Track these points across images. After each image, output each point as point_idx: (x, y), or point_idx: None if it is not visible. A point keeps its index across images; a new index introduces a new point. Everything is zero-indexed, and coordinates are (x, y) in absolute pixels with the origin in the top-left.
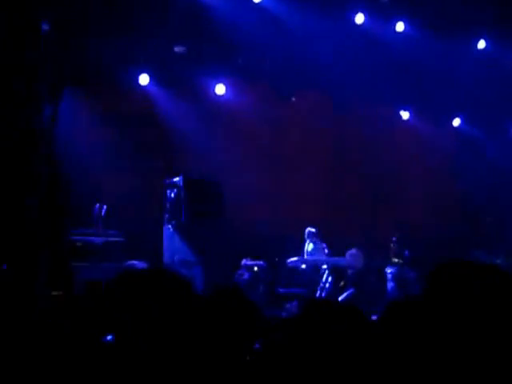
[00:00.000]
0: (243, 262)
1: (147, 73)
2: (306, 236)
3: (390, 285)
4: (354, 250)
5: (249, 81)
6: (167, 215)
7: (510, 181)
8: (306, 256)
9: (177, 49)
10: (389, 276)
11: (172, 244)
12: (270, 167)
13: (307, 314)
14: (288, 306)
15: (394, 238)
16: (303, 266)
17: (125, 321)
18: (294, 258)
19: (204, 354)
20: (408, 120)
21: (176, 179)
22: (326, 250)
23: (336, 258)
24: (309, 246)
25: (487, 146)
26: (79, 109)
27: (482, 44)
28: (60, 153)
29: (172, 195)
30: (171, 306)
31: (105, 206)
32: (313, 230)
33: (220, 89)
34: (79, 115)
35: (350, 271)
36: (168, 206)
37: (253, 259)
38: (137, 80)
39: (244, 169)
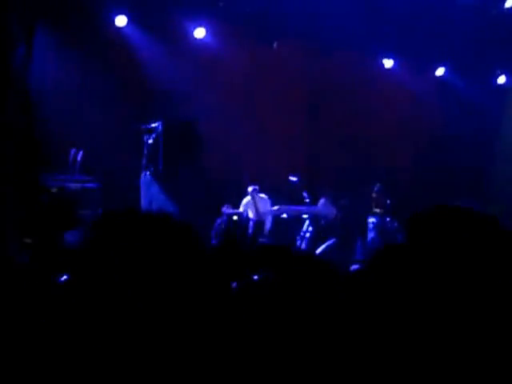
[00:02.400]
0: (223, 209)
1: (124, 14)
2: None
3: (370, 235)
4: (322, 200)
5: (230, 25)
6: (144, 161)
7: (492, 130)
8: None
9: None
10: (370, 226)
11: (149, 191)
12: (251, 113)
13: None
14: None
15: (375, 187)
16: (284, 216)
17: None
18: (275, 207)
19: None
20: (391, 68)
21: (154, 124)
22: (269, 206)
23: (314, 207)
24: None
25: (471, 95)
26: (53, 50)
27: None
28: (33, 95)
29: (150, 141)
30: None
31: (81, 152)
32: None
33: (200, 32)
34: (52, 57)
35: (323, 221)
36: (145, 151)
37: (233, 207)
38: (113, 21)
39: (224, 114)
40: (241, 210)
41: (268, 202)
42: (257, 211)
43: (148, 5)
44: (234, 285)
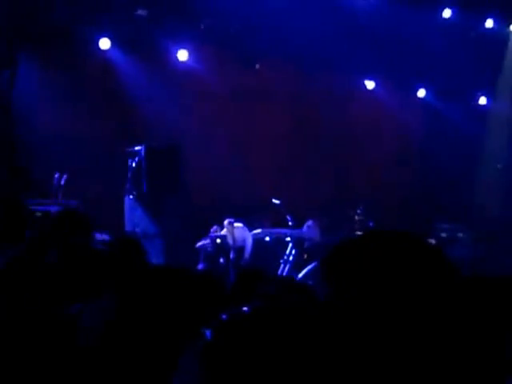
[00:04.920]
0: (212, 230)
1: (108, 37)
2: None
3: None
4: (310, 222)
5: (212, 47)
6: (128, 185)
7: (475, 152)
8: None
9: (139, 12)
10: None
11: (133, 215)
12: (234, 135)
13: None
14: None
15: (358, 210)
16: (267, 239)
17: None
18: (258, 231)
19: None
20: (373, 89)
21: (137, 148)
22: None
23: (297, 230)
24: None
25: (452, 115)
26: (37, 74)
27: (447, 13)
28: (17, 120)
29: (133, 164)
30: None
31: (65, 176)
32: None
33: (182, 55)
34: (36, 81)
35: (307, 243)
36: (129, 175)
37: (222, 228)
38: (97, 44)
39: (207, 136)
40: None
41: (245, 230)
42: (234, 241)
43: (131, 27)
44: (224, 317)
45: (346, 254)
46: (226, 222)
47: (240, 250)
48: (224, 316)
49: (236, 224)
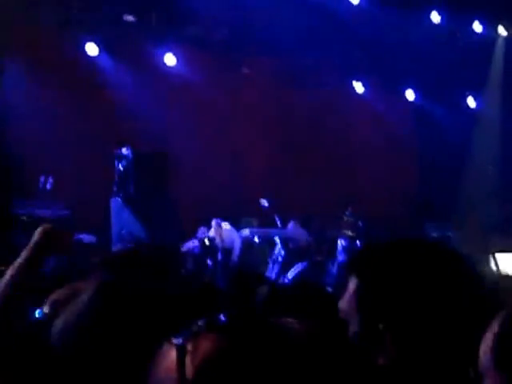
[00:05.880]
0: (199, 231)
1: (95, 41)
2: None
3: (340, 258)
4: (291, 223)
5: (199, 51)
6: (115, 187)
7: (464, 154)
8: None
9: (126, 17)
10: (339, 249)
11: (120, 217)
12: (221, 137)
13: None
14: None
15: (347, 210)
16: (255, 239)
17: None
18: (246, 231)
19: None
20: (362, 92)
21: (124, 151)
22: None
23: (285, 230)
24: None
25: (440, 117)
26: (23, 78)
27: (435, 16)
28: (2, 124)
29: (120, 167)
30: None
31: (50, 178)
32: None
33: (170, 59)
34: (23, 85)
35: (291, 244)
36: (116, 177)
37: (208, 229)
38: (84, 49)
39: (195, 140)
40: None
41: (233, 231)
42: (222, 242)
43: (118, 32)
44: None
45: (376, 260)
46: (213, 223)
47: (228, 251)
48: (200, 323)
49: (224, 224)
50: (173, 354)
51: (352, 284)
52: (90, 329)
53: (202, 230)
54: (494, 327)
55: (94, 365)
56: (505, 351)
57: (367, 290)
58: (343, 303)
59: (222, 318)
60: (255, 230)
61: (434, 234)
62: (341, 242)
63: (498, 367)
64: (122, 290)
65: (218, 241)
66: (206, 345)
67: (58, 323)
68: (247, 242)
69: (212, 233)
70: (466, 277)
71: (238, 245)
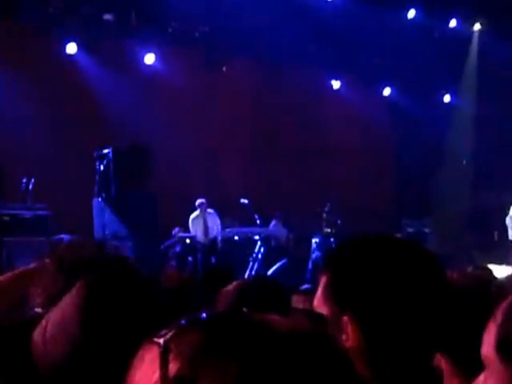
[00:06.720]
0: (174, 232)
1: (75, 41)
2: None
3: (315, 254)
4: (273, 222)
5: (179, 50)
6: (97, 188)
7: (440, 148)
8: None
9: (106, 17)
10: (314, 246)
11: (102, 217)
12: (202, 136)
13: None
14: None
15: (326, 208)
16: (235, 238)
17: None
18: (227, 230)
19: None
20: (338, 88)
21: (105, 151)
22: (218, 220)
23: (265, 229)
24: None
25: (417, 113)
26: (2, 79)
27: (411, 13)
28: None
29: (101, 167)
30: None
31: (32, 180)
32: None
33: (149, 58)
34: (2, 85)
35: (273, 242)
36: (97, 178)
37: (184, 230)
38: (64, 48)
39: (175, 138)
40: (190, 226)
41: (216, 217)
42: (205, 226)
43: (98, 31)
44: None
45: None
46: (198, 202)
47: (210, 245)
48: (182, 321)
49: (209, 209)
50: (154, 354)
51: (323, 278)
52: (76, 329)
53: (176, 231)
54: (497, 318)
55: (80, 368)
56: (509, 342)
57: (335, 283)
58: (316, 297)
59: (204, 315)
60: (235, 228)
61: (410, 230)
62: (315, 240)
63: (503, 359)
64: (107, 291)
65: (200, 226)
66: (188, 343)
67: (43, 322)
68: (228, 241)
69: (193, 216)
70: (431, 272)
71: (218, 228)
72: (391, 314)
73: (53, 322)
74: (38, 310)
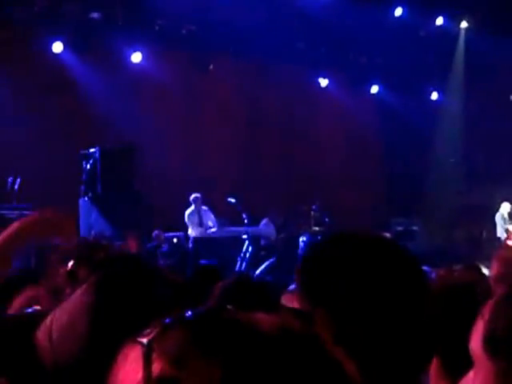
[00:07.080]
0: (154, 234)
1: (62, 40)
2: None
3: (301, 253)
4: (265, 220)
5: (166, 48)
6: (83, 187)
7: (428, 146)
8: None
9: (92, 15)
10: (301, 244)
11: (89, 217)
12: (189, 135)
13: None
14: None
15: (314, 206)
16: (223, 237)
17: None
18: (214, 229)
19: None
20: (327, 86)
21: (92, 150)
22: (212, 216)
23: (253, 228)
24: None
25: (405, 111)
26: None
27: (398, 11)
28: None
29: (88, 166)
30: None
31: (18, 179)
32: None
33: (136, 56)
34: None
35: (263, 241)
36: (84, 177)
37: (164, 231)
38: (50, 47)
39: (162, 137)
40: (186, 220)
41: (210, 213)
42: (200, 220)
43: (84, 30)
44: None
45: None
46: (192, 196)
47: (202, 241)
48: (166, 320)
49: (203, 207)
50: (138, 354)
51: (296, 276)
52: (85, 328)
53: (156, 233)
54: (484, 315)
55: (90, 368)
56: (496, 338)
57: (304, 281)
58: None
59: (189, 313)
60: (224, 227)
61: (399, 228)
62: (302, 238)
63: (490, 355)
64: (117, 288)
65: (194, 221)
66: (172, 342)
67: (48, 321)
68: (216, 240)
69: (188, 212)
70: (403, 268)
71: (214, 224)
72: (358, 311)
73: (60, 321)
74: (37, 307)
